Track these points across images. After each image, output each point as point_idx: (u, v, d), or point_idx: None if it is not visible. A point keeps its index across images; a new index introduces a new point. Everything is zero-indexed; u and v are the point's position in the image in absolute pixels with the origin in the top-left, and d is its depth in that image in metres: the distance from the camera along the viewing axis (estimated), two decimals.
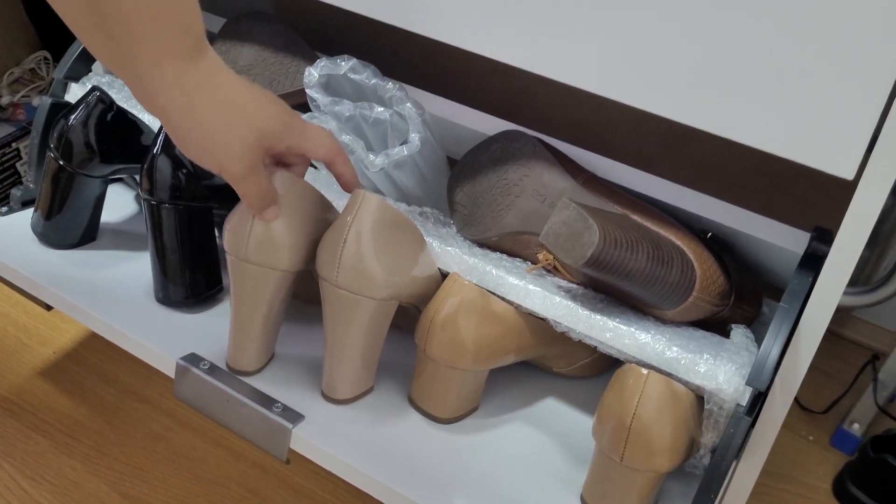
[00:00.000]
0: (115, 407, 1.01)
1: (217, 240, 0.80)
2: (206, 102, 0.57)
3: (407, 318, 0.76)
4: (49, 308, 1.13)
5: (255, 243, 0.67)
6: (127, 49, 0.52)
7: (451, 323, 0.68)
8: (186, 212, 0.75)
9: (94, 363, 1.06)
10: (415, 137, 0.72)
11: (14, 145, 1.14)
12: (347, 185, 0.69)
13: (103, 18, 0.51)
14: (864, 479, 0.98)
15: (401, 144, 0.73)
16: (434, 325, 0.69)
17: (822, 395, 1.11)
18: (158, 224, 0.75)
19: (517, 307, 0.70)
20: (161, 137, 0.74)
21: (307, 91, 0.73)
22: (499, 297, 0.70)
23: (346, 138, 0.72)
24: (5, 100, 1.16)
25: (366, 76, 0.74)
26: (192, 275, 0.78)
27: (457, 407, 0.73)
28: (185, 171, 0.74)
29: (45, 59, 1.22)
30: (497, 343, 0.70)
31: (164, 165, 0.73)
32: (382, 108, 0.73)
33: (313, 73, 0.73)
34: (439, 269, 0.72)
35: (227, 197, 0.74)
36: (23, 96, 1.18)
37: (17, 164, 1.15)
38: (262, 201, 0.64)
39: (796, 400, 1.10)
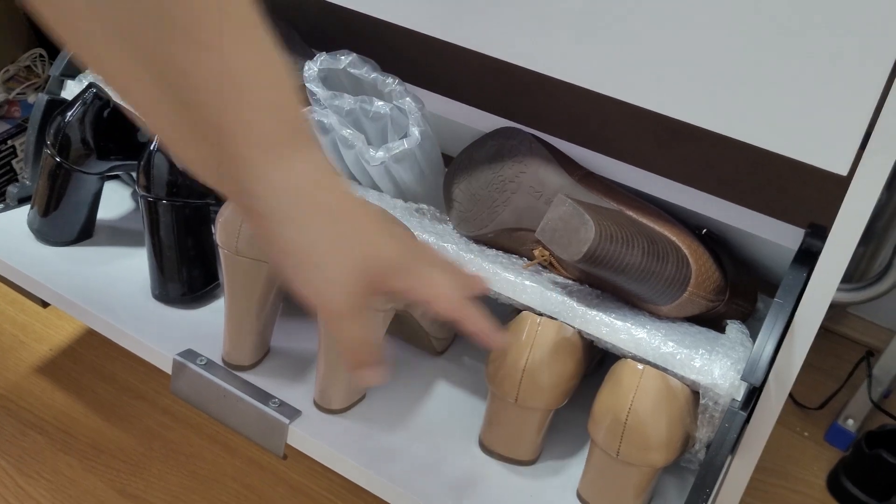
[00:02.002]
0: (112, 404, 1.01)
1: (213, 236, 0.80)
2: (312, 213, 0.45)
3: (399, 325, 0.77)
4: (45, 305, 1.13)
5: (247, 237, 0.67)
6: (217, 146, 0.43)
7: (540, 369, 0.67)
8: (183, 209, 0.76)
9: (90, 360, 1.06)
10: (415, 131, 0.73)
11: (10, 142, 1.13)
12: (486, 342, 0.53)
13: (185, 105, 0.42)
14: (859, 474, 0.99)
15: (400, 138, 0.73)
16: (526, 374, 0.66)
17: (817, 391, 1.12)
18: (155, 221, 0.76)
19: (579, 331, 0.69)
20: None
21: (307, 85, 0.74)
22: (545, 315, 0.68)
23: (346, 133, 0.73)
24: (0, 97, 1.16)
25: (365, 71, 0.74)
26: (188, 271, 0.78)
27: (539, 446, 0.72)
28: (181, 168, 0.74)
29: (41, 56, 1.22)
30: (575, 375, 0.69)
31: (160, 162, 0.74)
32: (382, 103, 0.73)
33: (313, 68, 0.74)
34: None
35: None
36: (18, 93, 1.18)
37: (13, 162, 1.15)
38: (361, 353, 0.49)
39: (791, 396, 1.10)
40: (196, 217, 0.77)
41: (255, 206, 0.44)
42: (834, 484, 1.01)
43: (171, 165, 0.74)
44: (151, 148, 0.74)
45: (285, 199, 0.44)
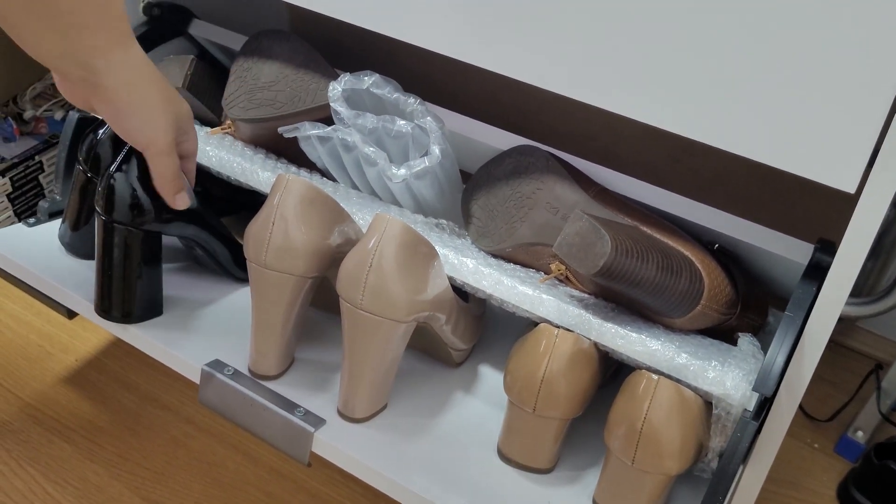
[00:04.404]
0: (136, 413, 1.03)
1: (161, 268, 0.80)
2: (144, 80, 0.65)
3: (419, 338, 0.79)
4: (72, 317, 1.15)
5: (275, 250, 0.69)
6: (74, 40, 0.60)
7: (557, 379, 0.69)
8: (137, 234, 0.75)
9: (115, 371, 1.08)
10: (435, 149, 0.75)
11: (37, 158, 1.16)
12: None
13: (50, 13, 0.57)
14: (868, 485, 1.00)
15: (421, 156, 0.76)
16: (543, 384, 0.69)
17: (827, 403, 1.13)
18: (109, 242, 0.75)
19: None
20: (120, 157, 0.73)
21: (331, 104, 0.76)
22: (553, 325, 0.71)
23: (369, 150, 0.75)
24: (28, 114, 1.19)
25: (388, 91, 0.76)
26: (129, 294, 0.78)
27: (556, 454, 0.74)
28: (139, 194, 0.73)
29: None
30: (591, 385, 0.71)
31: (121, 187, 0.73)
32: (404, 122, 0.75)
33: (337, 88, 0.76)
34: (453, 277, 0.75)
35: (191, 219, 0.77)
36: (45, 110, 1.21)
37: (40, 177, 1.18)
38: (175, 182, 0.72)
39: (801, 408, 1.12)
40: (148, 244, 0.77)
41: (101, 81, 0.63)
42: (843, 494, 1.02)
43: (132, 191, 0.73)
44: (111, 171, 0.72)
45: (128, 72, 0.64)
